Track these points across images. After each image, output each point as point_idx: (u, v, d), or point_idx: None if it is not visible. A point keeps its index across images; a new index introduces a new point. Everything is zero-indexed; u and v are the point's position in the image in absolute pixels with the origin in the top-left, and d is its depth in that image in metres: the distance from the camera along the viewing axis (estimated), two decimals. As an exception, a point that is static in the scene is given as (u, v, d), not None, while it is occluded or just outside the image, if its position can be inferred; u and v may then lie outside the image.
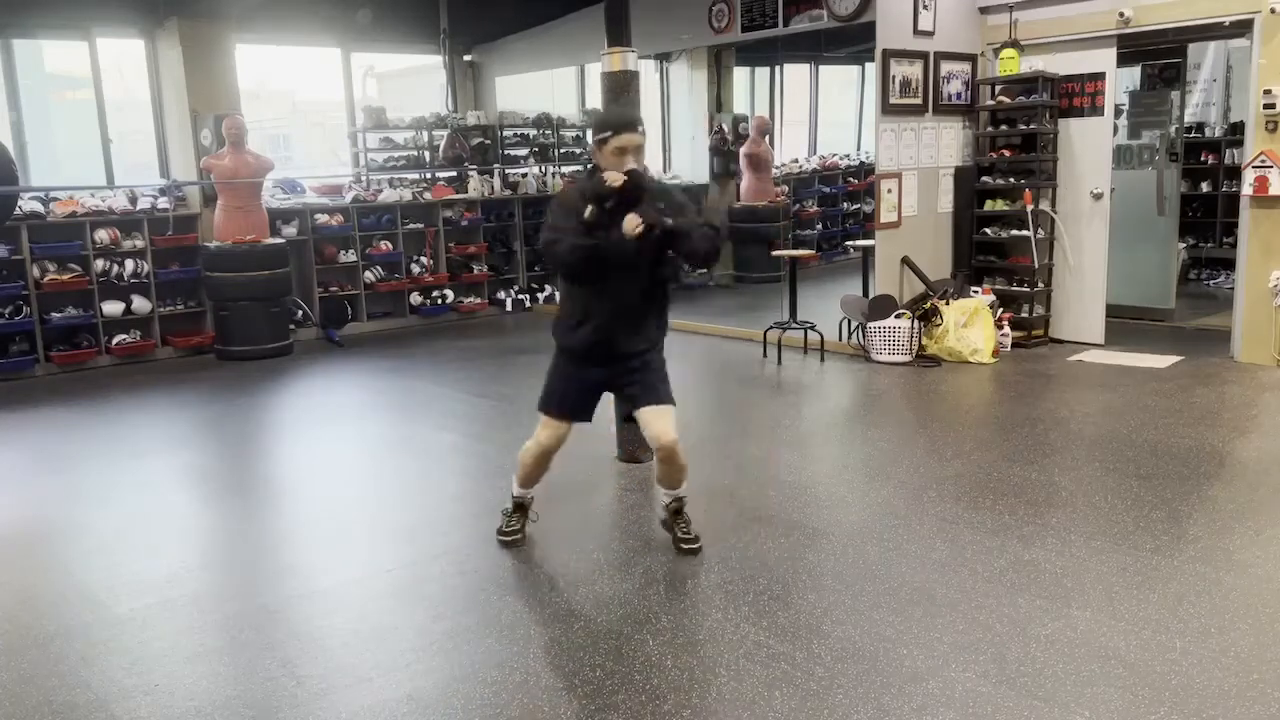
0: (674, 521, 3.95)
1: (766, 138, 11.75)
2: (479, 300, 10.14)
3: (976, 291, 7.64)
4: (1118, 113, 8.06)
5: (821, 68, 13.59)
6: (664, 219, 3.52)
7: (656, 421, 3.73)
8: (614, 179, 3.51)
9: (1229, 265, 8.96)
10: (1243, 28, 6.88)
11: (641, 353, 3.77)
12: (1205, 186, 10.56)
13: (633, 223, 3.48)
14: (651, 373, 3.78)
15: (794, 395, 6.71)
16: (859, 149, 14.12)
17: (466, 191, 10.12)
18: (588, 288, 3.71)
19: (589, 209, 3.54)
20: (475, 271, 10.12)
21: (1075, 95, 7.54)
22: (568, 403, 3.89)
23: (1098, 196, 7.51)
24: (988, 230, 7.86)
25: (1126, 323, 8.05)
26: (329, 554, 4.12)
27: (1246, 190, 6.68)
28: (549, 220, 3.75)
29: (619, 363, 3.77)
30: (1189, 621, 3.24)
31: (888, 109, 7.38)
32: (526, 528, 4.13)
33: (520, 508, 4.13)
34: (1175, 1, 6.90)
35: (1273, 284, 6.62)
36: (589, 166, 3.77)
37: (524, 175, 10.74)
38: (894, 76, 7.35)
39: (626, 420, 3.83)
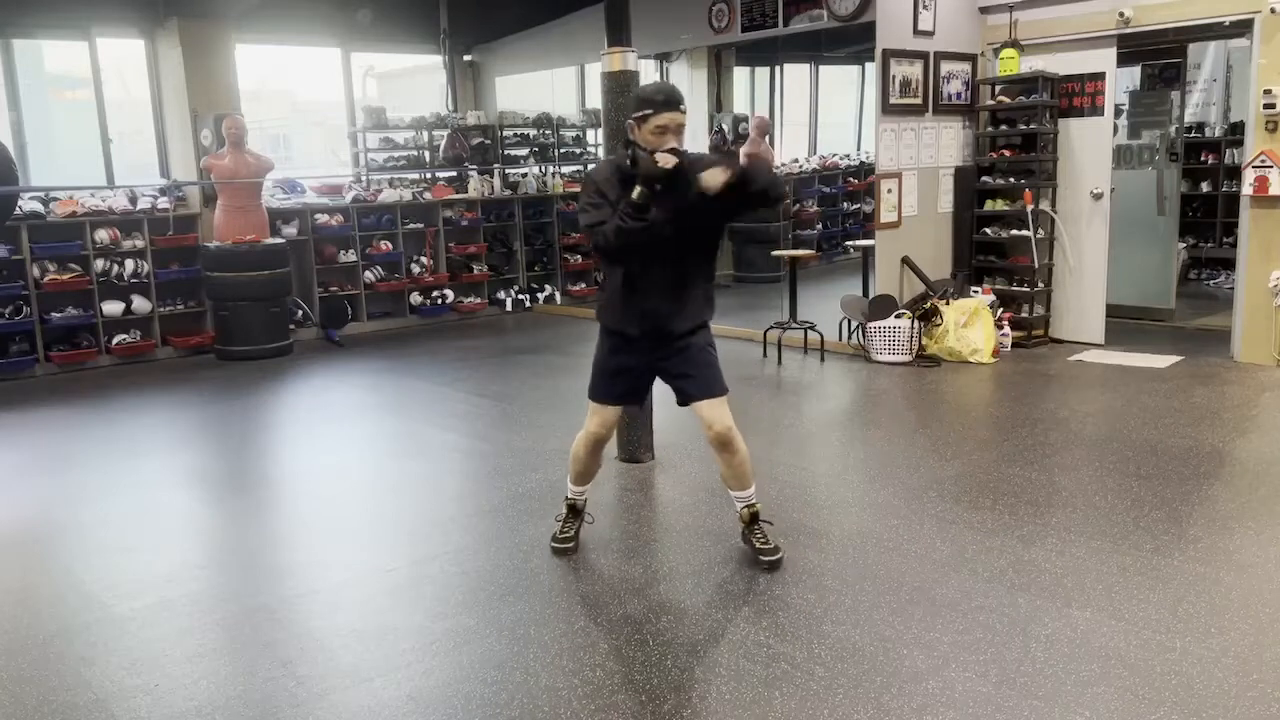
0: (750, 531, 3.80)
1: (766, 138, 11.73)
2: (479, 300, 10.14)
3: (976, 291, 7.64)
4: (1118, 113, 8.06)
5: (821, 68, 13.58)
6: (739, 166, 3.42)
7: (709, 411, 3.65)
8: (665, 160, 3.38)
9: (1229, 265, 8.96)
10: (1243, 28, 6.89)
11: (690, 333, 3.67)
12: (1205, 186, 10.57)
13: (719, 176, 3.33)
14: (703, 364, 3.68)
15: (794, 395, 6.71)
16: (859, 149, 14.11)
17: (466, 191, 10.13)
18: (637, 267, 3.58)
19: (638, 190, 3.39)
20: (475, 271, 10.13)
21: (1075, 95, 7.54)
22: (616, 387, 3.78)
23: (1098, 196, 7.51)
24: (988, 230, 7.86)
25: (1126, 323, 8.05)
26: (329, 554, 4.12)
27: (1246, 190, 6.68)
28: (584, 200, 3.59)
29: (669, 343, 3.66)
30: (1189, 621, 3.24)
31: (888, 109, 7.39)
32: (580, 533, 4.03)
33: (574, 511, 4.02)
34: (1175, 1, 6.90)
35: (1273, 284, 6.62)
36: (624, 144, 3.62)
37: (524, 175, 10.75)
38: (894, 76, 7.35)
39: (681, 405, 3.76)
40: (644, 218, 3.42)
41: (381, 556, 4.04)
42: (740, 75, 12.78)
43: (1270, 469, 4.71)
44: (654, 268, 3.58)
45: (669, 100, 3.47)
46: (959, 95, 7.83)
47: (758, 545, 3.78)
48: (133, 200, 8.28)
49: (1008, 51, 7.45)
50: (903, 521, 4.19)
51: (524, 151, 11.13)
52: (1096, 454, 5.08)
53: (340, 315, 9.19)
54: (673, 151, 3.42)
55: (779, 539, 3.87)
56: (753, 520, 3.82)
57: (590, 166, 3.90)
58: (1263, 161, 6.54)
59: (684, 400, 3.74)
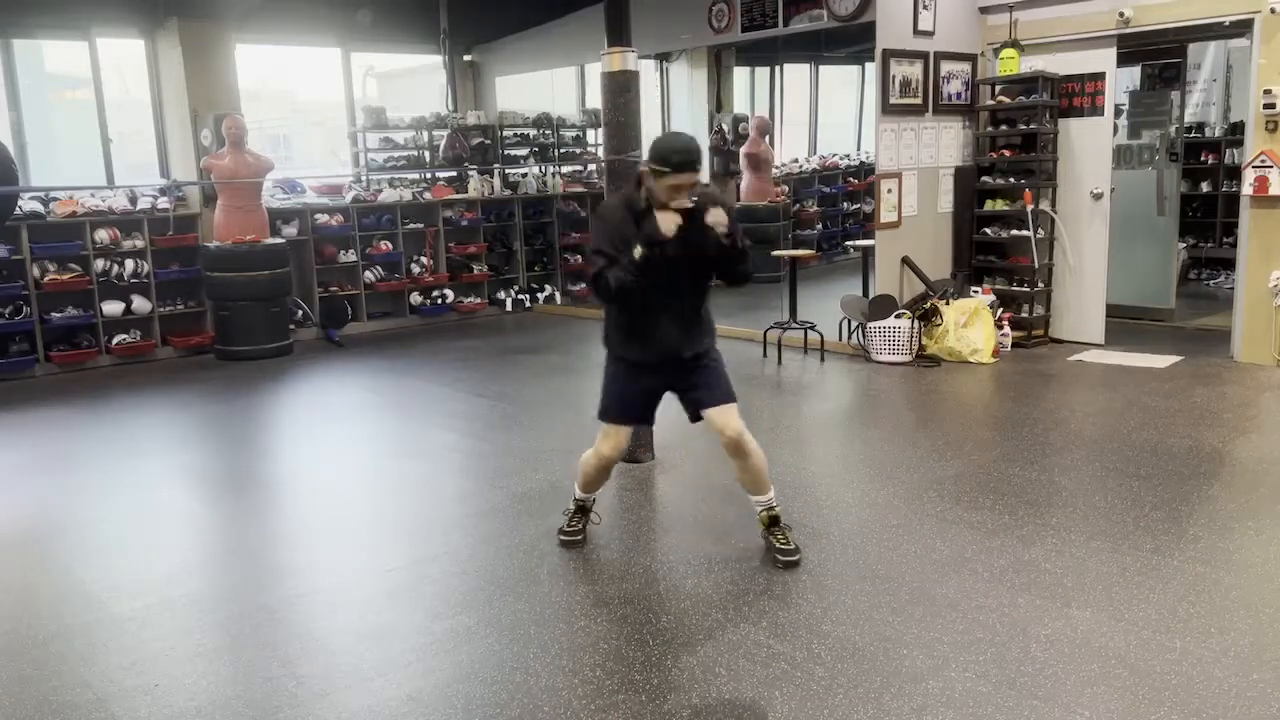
0: (770, 533, 3.85)
1: (766, 138, 11.75)
2: (479, 300, 10.14)
3: (976, 291, 7.64)
4: (1118, 113, 8.06)
5: (821, 68, 13.59)
6: (741, 237, 3.53)
7: (719, 417, 3.71)
8: (668, 226, 3.45)
9: (1229, 265, 8.96)
10: (1243, 28, 6.89)
11: (698, 356, 3.74)
12: (1205, 186, 10.57)
13: (719, 219, 3.45)
14: (712, 374, 3.75)
15: (794, 395, 6.70)
16: (859, 149, 14.11)
17: (466, 191, 10.13)
18: (644, 303, 3.64)
19: (639, 250, 3.48)
20: (475, 271, 10.13)
21: (1075, 95, 7.54)
22: (630, 409, 3.85)
23: (1098, 196, 7.51)
24: (988, 230, 7.86)
25: (1126, 323, 8.05)
26: (329, 554, 4.12)
27: (1246, 190, 6.68)
28: (594, 240, 3.70)
29: (678, 368, 3.74)
30: (1189, 621, 3.24)
31: (888, 109, 7.38)
32: (587, 528, 4.12)
33: (582, 510, 4.10)
34: (1175, 1, 6.90)
35: (1273, 284, 6.62)
36: (637, 182, 3.66)
37: (524, 175, 10.75)
38: (894, 76, 7.35)
39: (694, 420, 3.82)
40: (642, 275, 3.49)
41: (381, 556, 4.05)
42: (740, 75, 12.78)
43: (1270, 469, 4.71)
44: (658, 300, 3.62)
45: (685, 163, 3.46)
46: (959, 95, 7.82)
47: (778, 545, 3.82)
48: (133, 200, 8.28)
49: (1008, 51, 7.45)
50: (903, 521, 4.19)
51: (524, 151, 11.12)
52: (1096, 454, 5.08)
53: (340, 315, 9.19)
54: (680, 209, 3.47)
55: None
56: (772, 524, 3.86)
57: (602, 202, 4.06)
58: (1263, 161, 6.54)
59: (696, 414, 3.80)
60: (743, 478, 3.83)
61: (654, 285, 3.55)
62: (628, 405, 3.84)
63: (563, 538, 4.08)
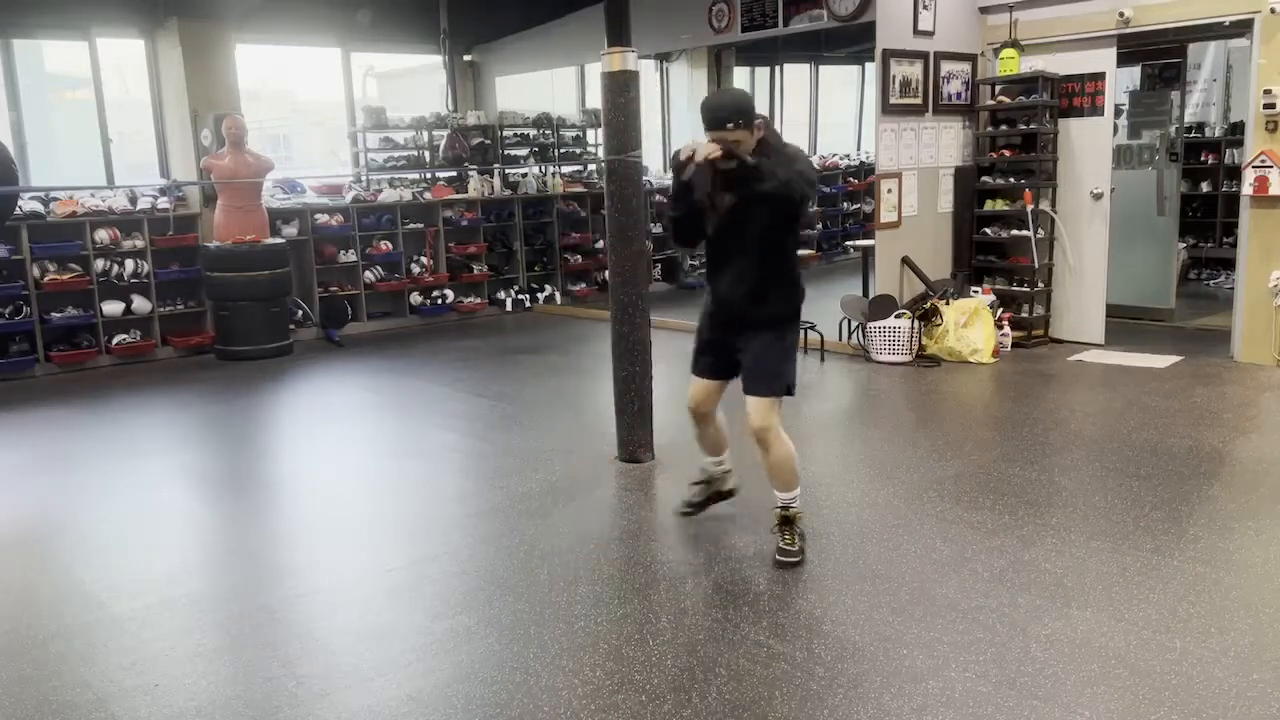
0: (779, 530, 3.87)
1: (766, 138, 11.72)
2: (479, 300, 10.14)
3: (976, 291, 7.64)
4: (1118, 113, 8.06)
5: (821, 68, 13.59)
6: (745, 157, 3.47)
7: (750, 406, 3.78)
8: (685, 150, 3.57)
9: (1229, 265, 8.96)
10: (1243, 28, 6.89)
11: (764, 324, 3.78)
12: (1205, 186, 10.58)
13: (709, 149, 3.44)
14: (763, 360, 3.78)
15: (794, 395, 6.69)
16: (859, 149, 14.11)
17: (466, 191, 10.12)
18: (712, 253, 3.82)
19: (672, 183, 3.70)
20: (475, 271, 10.13)
21: (1075, 95, 7.54)
22: (703, 361, 3.99)
23: (1098, 196, 7.51)
24: (988, 230, 7.86)
25: (1126, 323, 8.05)
26: (329, 554, 4.12)
27: (1246, 190, 6.68)
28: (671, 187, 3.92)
29: (738, 331, 3.82)
30: (1189, 621, 3.24)
31: (888, 109, 7.38)
32: (709, 502, 4.25)
33: (705, 480, 4.23)
34: (1175, 1, 6.90)
35: (1273, 284, 6.62)
36: None
37: (524, 175, 10.74)
38: (894, 76, 7.35)
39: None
40: (681, 208, 3.68)
41: (381, 556, 4.04)
42: (740, 75, 12.78)
43: (1270, 469, 4.71)
44: (724, 254, 3.78)
45: (714, 121, 3.54)
46: (959, 95, 7.82)
47: (780, 545, 3.82)
48: (133, 200, 8.28)
49: (1008, 51, 7.45)
50: (903, 521, 4.19)
51: (524, 151, 11.12)
52: (1096, 454, 5.08)
53: (340, 315, 9.19)
54: (726, 153, 3.48)
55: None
56: (783, 523, 3.86)
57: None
58: (1263, 161, 6.54)
59: (743, 389, 3.89)
60: (768, 472, 3.89)
61: (724, 237, 3.69)
62: (702, 357, 3.98)
63: (680, 509, 4.27)
